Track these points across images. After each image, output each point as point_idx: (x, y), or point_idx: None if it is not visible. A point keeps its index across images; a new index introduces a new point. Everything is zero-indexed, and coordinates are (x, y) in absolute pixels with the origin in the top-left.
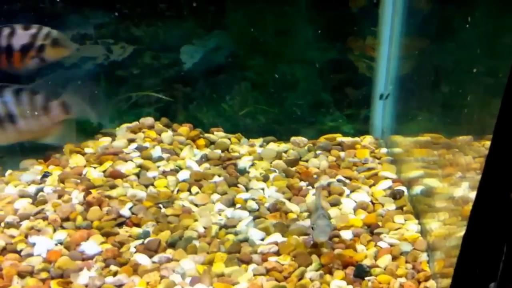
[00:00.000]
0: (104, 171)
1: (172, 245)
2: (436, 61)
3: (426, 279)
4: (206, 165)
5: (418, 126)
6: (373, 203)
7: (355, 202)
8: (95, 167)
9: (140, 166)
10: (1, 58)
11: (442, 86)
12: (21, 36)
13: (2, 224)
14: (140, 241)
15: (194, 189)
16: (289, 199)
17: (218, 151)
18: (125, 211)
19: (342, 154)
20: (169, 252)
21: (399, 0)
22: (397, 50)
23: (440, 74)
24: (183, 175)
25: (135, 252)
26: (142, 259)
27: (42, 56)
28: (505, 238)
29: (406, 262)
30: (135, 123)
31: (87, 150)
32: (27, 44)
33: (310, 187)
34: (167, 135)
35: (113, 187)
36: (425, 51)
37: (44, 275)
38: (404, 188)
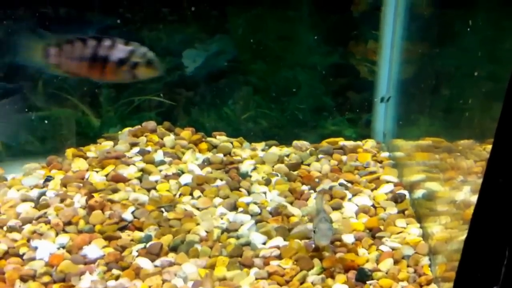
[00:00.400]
0: (106, 175)
1: (174, 249)
2: (438, 65)
3: (428, 283)
4: (208, 169)
5: (420, 130)
6: (375, 207)
7: (357, 206)
8: (97, 171)
9: (142, 170)
10: (96, 66)
11: (443, 90)
12: (120, 50)
13: (5, 228)
14: (142, 245)
15: (196, 193)
16: (291, 203)
17: (220, 155)
18: (127, 215)
19: (344, 158)
20: (171, 256)
21: (401, 4)
22: (398, 54)
23: (441, 78)
24: (185, 179)
25: (137, 256)
26: (144, 263)
27: (134, 72)
28: (507, 242)
29: (408, 266)
30: (137, 127)
31: (89, 154)
32: (123, 58)
33: (312, 191)
34: (169, 139)
35: (115, 191)
36: (426, 55)
37: (46, 279)
38: (405, 192)
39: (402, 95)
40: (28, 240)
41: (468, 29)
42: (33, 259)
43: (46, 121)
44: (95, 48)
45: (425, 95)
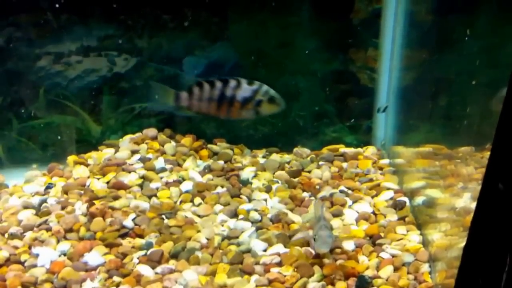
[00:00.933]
0: (107, 182)
1: (175, 256)
2: (437, 72)
3: None
4: (209, 176)
5: (420, 136)
6: (375, 214)
7: (357, 212)
8: (98, 178)
9: (143, 177)
10: (223, 105)
11: (443, 97)
12: (245, 90)
13: (6, 235)
14: (143, 252)
15: (197, 200)
16: (292, 210)
17: (221, 162)
18: (128, 222)
19: (344, 164)
20: (172, 263)
21: (401, 12)
22: (398, 61)
23: (441, 85)
24: (186, 186)
25: (138, 263)
26: (145, 270)
27: (257, 109)
28: (508, 249)
29: (408, 273)
30: (138, 134)
31: (90, 161)
32: (248, 97)
33: (312, 198)
34: (170, 146)
35: (116, 198)
36: (426, 62)
37: (47, 286)
38: (406, 199)
39: (402, 102)
40: (30, 247)
41: (467, 36)
42: (34, 266)
43: (47, 129)
44: (222, 89)
45: (425, 102)
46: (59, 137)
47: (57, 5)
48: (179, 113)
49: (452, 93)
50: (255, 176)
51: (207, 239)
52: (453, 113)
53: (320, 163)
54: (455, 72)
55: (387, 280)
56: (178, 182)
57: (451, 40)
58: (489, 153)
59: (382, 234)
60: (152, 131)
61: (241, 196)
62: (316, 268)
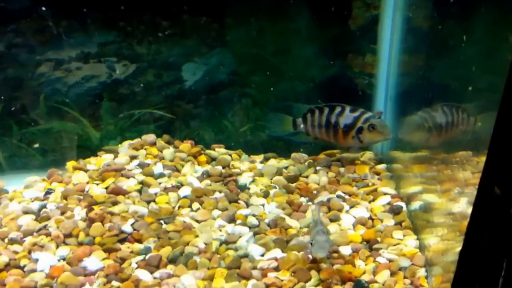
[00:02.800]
0: (106, 188)
1: (173, 261)
2: (434, 77)
3: None
4: (207, 181)
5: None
6: (372, 219)
7: (354, 217)
8: (97, 184)
9: (141, 183)
10: (330, 131)
11: (440, 102)
12: (347, 117)
13: (6, 240)
14: (141, 257)
15: (195, 205)
16: (289, 215)
17: (219, 168)
18: (126, 227)
19: (341, 170)
20: (170, 268)
21: (398, 18)
22: (396, 67)
23: (438, 90)
24: (184, 191)
25: (137, 268)
26: (144, 275)
27: (360, 137)
28: (504, 253)
29: (405, 277)
30: (137, 140)
31: (89, 166)
32: (349, 124)
33: (310, 203)
34: (168, 151)
35: (115, 203)
36: (423, 68)
37: None
38: (403, 204)
39: (399, 107)
40: (29, 252)
41: (464, 41)
42: (34, 271)
43: (47, 135)
44: (328, 116)
45: (422, 107)
46: (58, 143)
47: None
48: (297, 139)
49: (449, 99)
50: (253, 181)
51: (205, 244)
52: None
53: (318, 168)
54: (452, 77)
55: (383, 284)
56: (177, 188)
57: (448, 46)
58: (485, 157)
59: (379, 239)
60: (150, 137)
61: (239, 201)
62: (313, 272)
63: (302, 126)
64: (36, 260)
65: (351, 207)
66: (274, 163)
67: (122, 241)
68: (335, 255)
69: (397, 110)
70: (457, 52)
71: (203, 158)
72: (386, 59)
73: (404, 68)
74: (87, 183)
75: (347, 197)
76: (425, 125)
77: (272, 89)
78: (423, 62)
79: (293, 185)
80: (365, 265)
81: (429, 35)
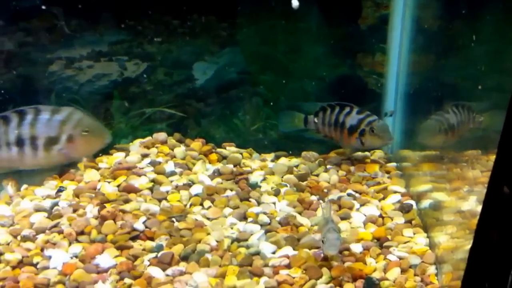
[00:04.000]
0: (118, 186)
1: (185, 258)
2: (444, 77)
3: None
4: (219, 179)
5: None
6: (382, 217)
7: (365, 216)
8: (109, 182)
9: (153, 181)
10: (337, 130)
11: (449, 101)
12: (353, 118)
13: (19, 238)
14: (153, 255)
15: (207, 203)
16: (300, 213)
17: (230, 166)
18: (138, 225)
19: (352, 168)
20: (182, 265)
21: (408, 17)
22: (405, 66)
23: (447, 89)
24: (196, 189)
25: (149, 265)
26: (156, 272)
27: (361, 139)
28: None
29: (415, 274)
30: (148, 139)
31: (101, 165)
32: (354, 125)
33: (320, 201)
34: (180, 150)
35: (127, 201)
36: (433, 67)
37: (60, 287)
38: (413, 202)
39: (409, 106)
40: (42, 250)
41: (473, 41)
42: (46, 268)
43: None
44: (337, 115)
45: (432, 106)
46: None
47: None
48: (307, 134)
49: (459, 98)
50: (264, 179)
51: (217, 241)
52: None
53: (328, 166)
54: (461, 77)
55: (394, 282)
56: (188, 186)
57: (458, 45)
58: (494, 156)
59: (389, 237)
60: (162, 135)
61: (250, 199)
62: (324, 270)
63: (314, 122)
64: (49, 257)
65: (362, 205)
66: (285, 161)
67: (134, 238)
68: (346, 252)
69: (407, 109)
70: (466, 51)
71: (214, 156)
72: (396, 58)
73: (414, 67)
74: (99, 181)
75: (357, 195)
76: (441, 127)
77: (282, 88)
78: (432, 61)
79: (304, 183)
80: (376, 262)
81: (439, 34)
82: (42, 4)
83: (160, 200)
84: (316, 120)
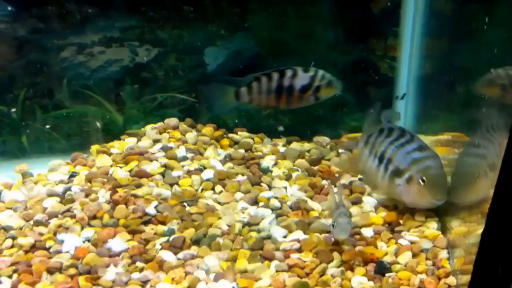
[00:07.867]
0: (130, 171)
1: (196, 242)
2: (457, 61)
3: (446, 275)
4: (230, 164)
5: (439, 125)
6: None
7: (376, 200)
8: (121, 167)
9: (165, 166)
10: (282, 96)
11: (462, 85)
12: (302, 78)
13: (31, 222)
14: (165, 239)
15: (218, 188)
16: (311, 198)
17: (242, 151)
18: (150, 210)
19: None
20: (194, 249)
21: (421, 0)
22: (418, 50)
23: (460, 73)
24: (207, 174)
25: (161, 249)
26: (167, 256)
27: (316, 95)
28: None
29: (427, 259)
30: (160, 124)
31: (113, 150)
32: (306, 85)
33: (332, 186)
34: (191, 135)
35: (138, 186)
36: (446, 51)
37: (72, 271)
38: None
39: (422, 90)
40: (55, 234)
41: (487, 24)
42: (59, 252)
43: (70, 119)
44: (279, 80)
45: (444, 90)
46: (82, 127)
47: None
48: (242, 108)
49: (472, 82)
50: (275, 164)
51: (228, 226)
52: (472, 101)
53: (340, 151)
54: (474, 60)
55: (405, 265)
56: (200, 171)
57: (471, 29)
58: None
59: (401, 221)
60: (173, 121)
61: (261, 184)
62: (335, 254)
63: (245, 96)
64: (62, 242)
65: None
66: (296, 146)
67: (146, 223)
68: (357, 237)
69: (419, 93)
70: (480, 34)
71: (225, 141)
72: (408, 42)
73: (427, 50)
74: (111, 166)
75: None
76: (498, 82)
77: None
78: (446, 45)
79: (315, 168)
80: (387, 247)
81: (452, 17)
82: None
83: (171, 185)
84: (249, 92)
